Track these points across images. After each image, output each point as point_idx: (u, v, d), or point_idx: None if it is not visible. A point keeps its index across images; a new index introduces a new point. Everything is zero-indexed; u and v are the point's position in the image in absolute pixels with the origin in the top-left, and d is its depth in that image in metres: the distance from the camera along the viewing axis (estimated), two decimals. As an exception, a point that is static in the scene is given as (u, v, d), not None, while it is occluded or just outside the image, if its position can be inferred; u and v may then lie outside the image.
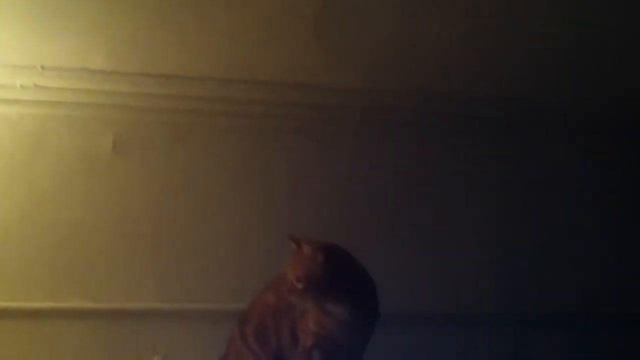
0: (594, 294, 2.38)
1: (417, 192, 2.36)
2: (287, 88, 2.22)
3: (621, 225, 2.47)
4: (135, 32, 1.93)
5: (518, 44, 2.04)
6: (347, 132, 2.31)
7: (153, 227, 2.20)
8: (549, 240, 2.41)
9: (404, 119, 2.35)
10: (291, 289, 1.68)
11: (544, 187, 2.44)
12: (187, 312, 2.18)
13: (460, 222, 2.38)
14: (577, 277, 2.38)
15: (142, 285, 2.17)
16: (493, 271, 2.35)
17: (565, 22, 1.92)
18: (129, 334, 2.12)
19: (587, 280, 2.38)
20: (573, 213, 2.44)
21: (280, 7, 1.85)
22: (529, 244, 2.40)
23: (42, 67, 2.08)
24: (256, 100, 2.22)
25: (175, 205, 2.21)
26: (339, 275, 1.70)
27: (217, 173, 2.24)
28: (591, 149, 2.47)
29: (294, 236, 1.74)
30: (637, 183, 2.52)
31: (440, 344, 2.25)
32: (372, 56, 2.10)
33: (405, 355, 2.21)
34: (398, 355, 2.16)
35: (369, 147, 2.34)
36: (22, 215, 2.11)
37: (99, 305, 2.13)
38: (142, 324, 2.14)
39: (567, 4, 1.85)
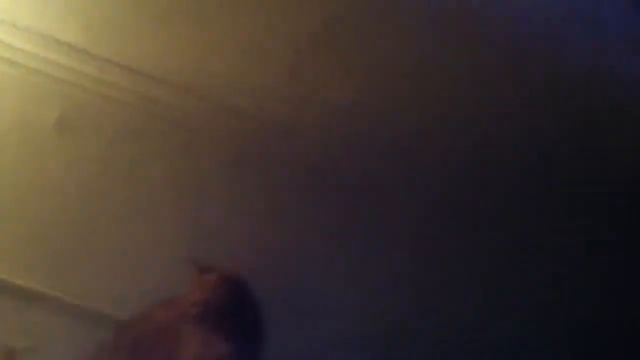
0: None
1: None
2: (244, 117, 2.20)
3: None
4: (116, 18, 1.93)
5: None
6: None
7: (68, 213, 2.13)
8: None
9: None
10: (185, 312, 1.63)
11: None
12: (70, 308, 2.10)
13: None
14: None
15: (37, 266, 2.10)
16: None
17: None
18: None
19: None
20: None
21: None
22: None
23: (14, 25, 2.04)
24: (210, 121, 2.19)
25: (97, 197, 2.15)
26: (235, 313, 1.66)
27: (150, 178, 2.18)
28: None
29: (198, 261, 1.70)
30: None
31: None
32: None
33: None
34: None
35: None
36: None
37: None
38: (22, 304, 2.05)
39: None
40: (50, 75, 2.08)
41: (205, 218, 2.20)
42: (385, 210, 2.26)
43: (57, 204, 2.14)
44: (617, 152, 2.29)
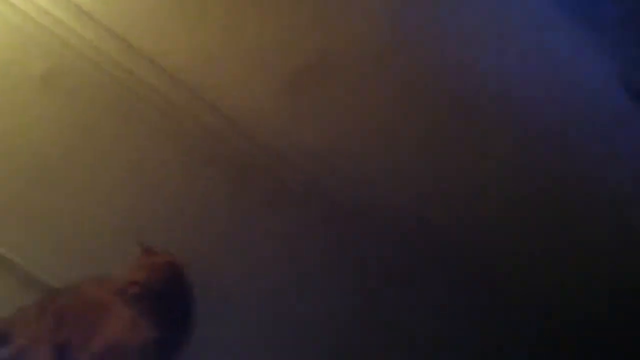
0: None
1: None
2: (230, 122, 2.19)
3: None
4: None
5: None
6: (260, 192, 2.26)
7: (31, 169, 2.10)
8: None
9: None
10: (122, 289, 1.60)
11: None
12: (5, 261, 2.07)
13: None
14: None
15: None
16: None
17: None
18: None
19: None
20: None
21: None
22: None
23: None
24: (192, 116, 2.18)
25: (65, 161, 2.13)
26: (171, 300, 1.63)
27: (120, 157, 2.17)
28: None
29: (143, 242, 1.67)
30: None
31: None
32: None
33: None
34: None
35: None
36: None
37: None
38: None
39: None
40: (47, 29, 2.05)
41: (158, 203, 2.19)
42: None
43: (27, 155, 2.11)
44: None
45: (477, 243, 2.35)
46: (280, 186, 2.22)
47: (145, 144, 2.17)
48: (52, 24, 2.05)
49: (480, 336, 2.46)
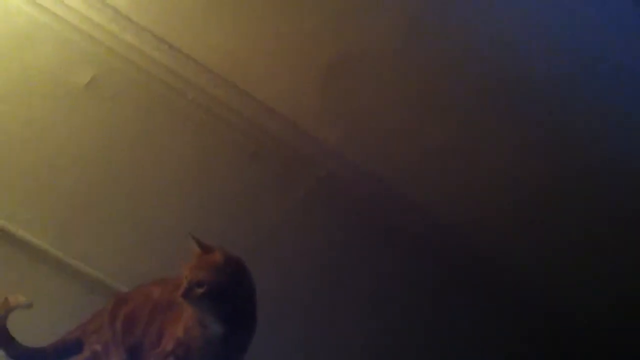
0: None
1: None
2: (271, 114, 2.20)
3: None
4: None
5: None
6: (300, 185, 2.27)
7: (87, 177, 2.14)
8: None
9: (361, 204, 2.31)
10: (188, 290, 1.62)
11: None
12: (71, 268, 2.11)
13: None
14: None
15: (45, 222, 2.10)
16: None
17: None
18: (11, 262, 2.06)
19: None
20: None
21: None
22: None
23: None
24: (235, 109, 2.19)
25: (117, 165, 2.16)
26: (238, 296, 1.65)
27: (170, 157, 2.19)
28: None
29: (199, 239, 1.68)
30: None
31: None
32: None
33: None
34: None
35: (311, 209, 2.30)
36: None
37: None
38: (24, 257, 2.08)
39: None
40: (90, 36, 2.08)
41: (209, 200, 2.22)
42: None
43: (75, 163, 2.14)
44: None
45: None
46: (324, 176, 2.23)
47: (192, 141, 2.19)
48: (93, 30, 2.07)
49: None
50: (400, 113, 2.18)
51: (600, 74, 2.09)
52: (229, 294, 1.63)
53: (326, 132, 2.19)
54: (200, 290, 1.61)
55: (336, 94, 2.16)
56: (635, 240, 2.31)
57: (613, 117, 2.16)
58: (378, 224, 2.28)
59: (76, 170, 2.14)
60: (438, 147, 2.21)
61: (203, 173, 2.20)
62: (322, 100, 2.16)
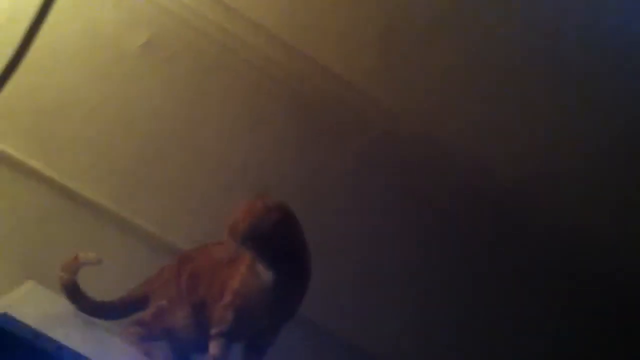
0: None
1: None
2: (327, 74, 2.20)
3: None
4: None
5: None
6: (354, 144, 2.29)
7: (146, 138, 2.17)
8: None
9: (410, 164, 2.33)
10: (233, 231, 1.66)
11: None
12: (136, 227, 2.16)
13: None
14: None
15: (107, 181, 2.15)
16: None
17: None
18: (79, 221, 2.12)
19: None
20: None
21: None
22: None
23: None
24: (294, 73, 2.20)
25: (174, 125, 2.19)
26: (284, 243, 1.69)
27: (227, 118, 2.21)
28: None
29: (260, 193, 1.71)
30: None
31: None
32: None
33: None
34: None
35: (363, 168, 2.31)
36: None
37: (59, 178, 2.12)
38: (91, 217, 2.13)
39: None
40: (146, -1, 2.10)
41: (268, 159, 2.24)
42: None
43: (133, 125, 2.17)
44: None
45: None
46: (378, 136, 2.26)
47: (247, 101, 2.20)
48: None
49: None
50: (457, 75, 2.19)
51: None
52: (273, 239, 1.68)
53: (382, 92, 2.20)
54: (244, 230, 1.65)
55: (394, 56, 2.17)
56: None
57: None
58: (430, 185, 2.30)
59: (135, 132, 2.17)
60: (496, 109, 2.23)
61: (257, 133, 2.22)
62: (379, 61, 2.17)
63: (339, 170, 2.27)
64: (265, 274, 1.69)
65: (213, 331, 1.73)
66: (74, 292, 1.82)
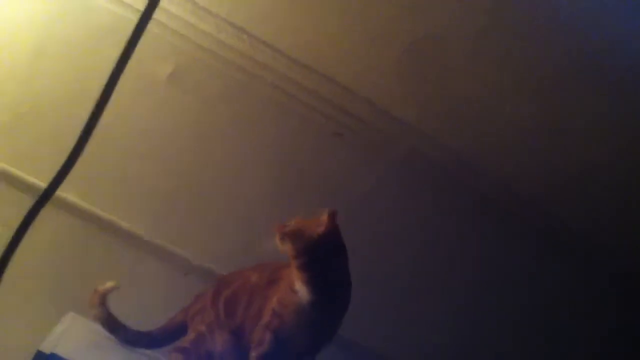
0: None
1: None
2: (351, 96, 2.24)
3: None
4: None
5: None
6: (382, 163, 2.32)
7: (176, 163, 2.22)
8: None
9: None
10: (297, 237, 1.66)
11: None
12: (166, 252, 2.22)
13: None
14: None
15: (139, 210, 2.20)
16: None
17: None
18: (102, 247, 2.17)
19: None
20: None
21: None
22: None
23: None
24: (315, 92, 2.23)
25: (203, 153, 2.23)
26: (337, 263, 1.70)
27: (253, 142, 2.25)
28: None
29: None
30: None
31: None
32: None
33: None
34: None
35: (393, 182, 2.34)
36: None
37: (88, 206, 2.16)
38: (118, 243, 2.18)
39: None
40: (170, 29, 2.13)
41: (295, 184, 2.28)
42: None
43: (161, 153, 2.22)
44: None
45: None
46: (405, 153, 2.29)
47: (274, 126, 2.25)
48: (172, 22, 2.12)
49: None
50: (480, 90, 2.21)
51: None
52: (330, 259, 1.68)
53: (405, 110, 2.23)
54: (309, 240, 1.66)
55: (415, 75, 2.20)
56: None
57: None
58: (460, 197, 2.32)
59: (162, 160, 2.21)
60: (519, 125, 2.24)
61: (286, 156, 2.26)
62: (400, 80, 2.20)
63: (370, 188, 2.30)
64: (305, 295, 1.68)
65: (253, 354, 1.73)
66: (110, 325, 1.85)
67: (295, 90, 2.21)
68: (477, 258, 2.36)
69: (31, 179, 2.08)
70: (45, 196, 1.43)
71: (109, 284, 1.85)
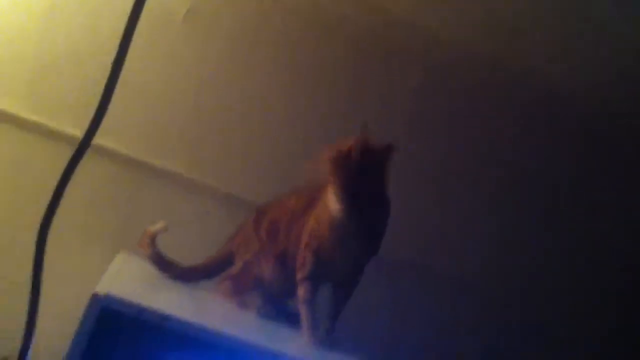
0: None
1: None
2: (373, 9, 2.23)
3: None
4: None
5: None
6: (410, 76, 2.31)
7: (197, 99, 2.23)
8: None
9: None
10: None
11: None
12: (201, 186, 2.25)
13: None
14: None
15: (173, 148, 2.23)
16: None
17: None
18: (142, 188, 2.22)
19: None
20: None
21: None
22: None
23: None
24: (342, 15, 2.23)
25: (228, 86, 2.24)
26: (357, 169, 1.70)
27: (276, 69, 2.26)
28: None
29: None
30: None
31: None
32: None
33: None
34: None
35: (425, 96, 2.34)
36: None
37: (124, 150, 2.20)
38: (157, 183, 2.23)
39: None
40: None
41: (322, 104, 2.29)
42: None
43: (188, 92, 2.24)
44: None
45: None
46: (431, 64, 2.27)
47: (294, 51, 2.26)
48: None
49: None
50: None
51: None
52: (374, 169, 1.71)
53: (427, 19, 2.21)
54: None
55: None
56: None
57: None
58: (488, 101, 2.32)
59: (189, 97, 2.24)
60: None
61: (311, 79, 2.26)
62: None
63: (399, 103, 2.30)
64: (334, 205, 1.71)
65: (298, 276, 1.79)
66: (161, 263, 1.91)
67: (315, 11, 2.20)
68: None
69: (68, 130, 2.11)
70: (83, 145, 1.46)
71: (158, 225, 1.90)
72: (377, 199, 1.76)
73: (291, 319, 1.83)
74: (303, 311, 1.76)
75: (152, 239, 1.89)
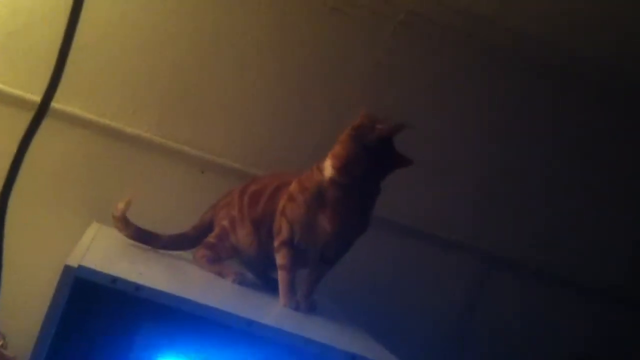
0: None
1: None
2: None
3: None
4: None
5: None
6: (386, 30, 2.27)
7: (177, 60, 2.18)
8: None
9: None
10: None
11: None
12: (179, 153, 2.20)
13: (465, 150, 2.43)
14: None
15: (147, 114, 2.17)
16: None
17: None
18: (120, 156, 2.16)
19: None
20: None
21: None
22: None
23: None
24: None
25: (208, 49, 2.19)
26: (387, 150, 1.69)
27: (250, 26, 2.20)
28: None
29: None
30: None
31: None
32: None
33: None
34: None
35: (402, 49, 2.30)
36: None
37: (99, 119, 2.14)
38: (134, 150, 2.16)
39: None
40: None
41: (298, 61, 2.25)
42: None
43: (161, 51, 2.17)
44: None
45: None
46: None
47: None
48: None
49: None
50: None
51: None
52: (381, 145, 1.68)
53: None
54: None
55: None
56: None
57: None
58: (468, 52, 2.32)
59: (163, 59, 2.17)
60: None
61: (286, 35, 2.22)
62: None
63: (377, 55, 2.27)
64: (328, 170, 1.68)
65: (275, 243, 1.74)
66: (142, 238, 1.86)
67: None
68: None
69: (28, 95, 2.03)
70: (41, 108, 1.40)
71: (122, 205, 1.84)
72: (373, 179, 1.73)
73: (271, 287, 1.80)
74: (280, 277, 1.72)
75: (124, 220, 1.84)
